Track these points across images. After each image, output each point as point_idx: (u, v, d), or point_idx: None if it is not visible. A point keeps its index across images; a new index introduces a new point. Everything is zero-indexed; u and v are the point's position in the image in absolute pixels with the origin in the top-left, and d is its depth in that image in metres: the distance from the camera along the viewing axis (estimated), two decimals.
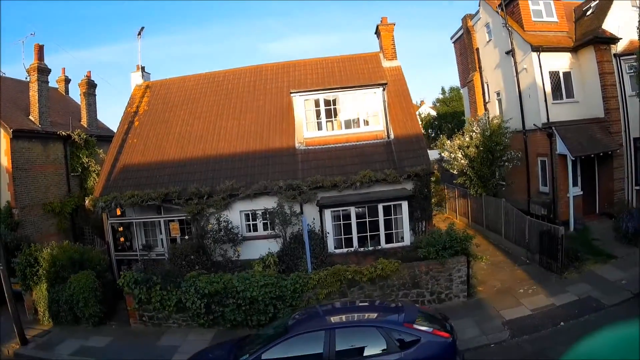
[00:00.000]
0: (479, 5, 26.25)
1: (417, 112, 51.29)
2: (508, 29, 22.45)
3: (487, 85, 26.75)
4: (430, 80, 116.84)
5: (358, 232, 16.09)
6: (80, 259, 15.42)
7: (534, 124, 21.18)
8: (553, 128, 20.02)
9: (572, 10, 24.17)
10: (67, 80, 28.43)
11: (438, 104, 54.55)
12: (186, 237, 17.37)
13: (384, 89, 17.92)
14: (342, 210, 16.16)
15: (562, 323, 12.13)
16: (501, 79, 24.67)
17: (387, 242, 16.09)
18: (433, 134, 45.45)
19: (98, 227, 20.39)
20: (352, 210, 16.01)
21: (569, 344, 8.60)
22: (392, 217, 16.18)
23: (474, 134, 21.51)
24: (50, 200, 20.72)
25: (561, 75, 21.28)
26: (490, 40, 25.41)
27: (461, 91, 36.56)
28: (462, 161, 21.71)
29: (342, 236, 16.26)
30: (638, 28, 16.80)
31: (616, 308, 12.50)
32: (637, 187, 20.15)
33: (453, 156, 22.23)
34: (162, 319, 14.27)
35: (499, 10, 23.20)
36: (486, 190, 21.14)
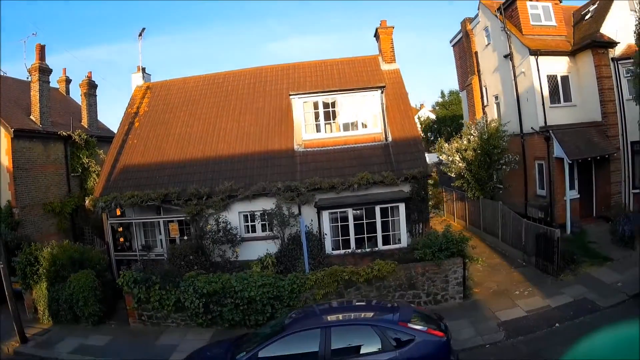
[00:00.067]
0: (478, 9, 26.40)
1: (416, 116, 51.53)
2: (507, 33, 22.61)
3: (486, 88, 26.89)
4: (430, 83, 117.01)
5: (355, 234, 16.20)
6: (80, 258, 15.54)
7: (531, 128, 21.32)
8: (550, 132, 20.16)
9: (571, 14, 24.33)
10: (68, 81, 28.58)
11: (437, 108, 54.65)
12: (185, 237, 17.46)
13: (382, 92, 18.06)
14: (340, 211, 16.27)
15: (557, 324, 12.24)
16: (499, 82, 24.81)
17: (384, 243, 16.19)
18: (432, 138, 45.55)
19: (98, 228, 20.52)
20: (350, 212, 16.13)
21: (563, 345, 8.77)
22: (390, 219, 16.29)
23: (471, 137, 21.67)
24: (50, 200, 20.85)
25: (559, 79, 21.45)
26: (489, 43, 25.57)
27: (460, 95, 36.67)
28: (460, 164, 21.85)
29: (340, 238, 16.37)
30: (635, 32, 16.94)
31: (612, 310, 12.63)
32: (635, 191, 20.28)
33: (451, 159, 22.38)
34: (161, 318, 14.39)
35: (498, 14, 23.38)
36: (483, 193, 21.27)
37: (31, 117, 21.08)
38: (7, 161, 19.04)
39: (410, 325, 9.01)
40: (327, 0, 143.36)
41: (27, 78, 22.69)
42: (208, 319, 13.91)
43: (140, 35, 23.02)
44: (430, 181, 22.56)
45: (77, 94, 27.19)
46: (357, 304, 11.73)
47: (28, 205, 19.75)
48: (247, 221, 17.33)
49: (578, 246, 17.43)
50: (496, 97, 25.63)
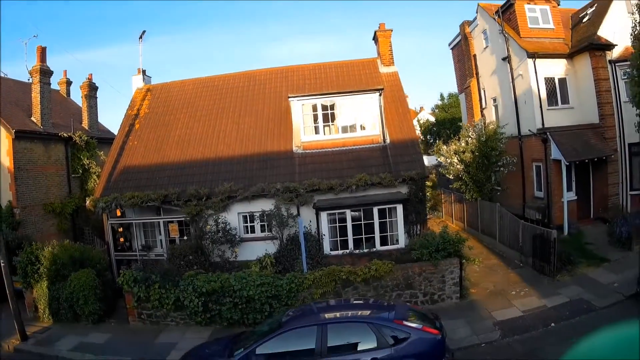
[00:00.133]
0: (477, 12, 26.56)
1: (416, 118, 51.69)
2: (504, 36, 22.76)
3: (484, 91, 27.03)
4: (430, 86, 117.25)
5: (353, 235, 16.33)
6: (81, 257, 15.68)
7: (529, 130, 21.45)
8: (548, 133, 20.29)
9: (569, 17, 24.51)
10: (69, 83, 28.76)
11: (437, 110, 54.78)
12: (185, 238, 17.59)
13: (380, 94, 18.20)
14: (338, 212, 16.40)
15: (553, 324, 12.34)
16: (497, 85, 24.96)
17: (382, 244, 16.31)
18: (432, 140, 45.66)
19: (98, 228, 20.68)
20: (348, 213, 16.25)
21: (559, 344, 8.92)
22: (387, 220, 16.42)
23: (469, 139, 21.80)
24: (51, 201, 21.01)
25: (557, 81, 21.59)
26: (487, 46, 25.72)
27: (459, 97, 36.81)
28: (458, 166, 21.97)
29: (338, 238, 16.49)
30: (631, 35, 17.07)
31: (607, 310, 12.71)
32: (632, 192, 20.41)
33: (449, 161, 22.49)
34: (160, 317, 14.52)
35: (496, 17, 23.55)
36: (481, 195, 21.39)
37: (32, 118, 21.25)
38: (8, 162, 19.22)
39: (405, 323, 9.15)
40: (328, 1, 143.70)
41: (28, 80, 22.91)
42: (207, 317, 14.02)
43: (140, 37, 23.22)
44: (428, 183, 22.72)
45: (77, 96, 27.42)
46: (353, 302, 11.91)
47: (29, 205, 19.91)
48: (246, 222, 17.47)
49: (575, 247, 17.50)
50: (494, 100, 25.77)
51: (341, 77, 21.49)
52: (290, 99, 18.46)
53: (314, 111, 18.33)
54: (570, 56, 21.71)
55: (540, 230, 16.21)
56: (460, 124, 26.59)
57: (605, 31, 20.54)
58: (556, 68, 21.59)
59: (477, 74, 27.50)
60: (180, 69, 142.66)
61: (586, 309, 12.91)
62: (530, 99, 21.36)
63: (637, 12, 16.80)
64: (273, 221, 16.68)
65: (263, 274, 14.17)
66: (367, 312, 9.99)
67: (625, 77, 19.37)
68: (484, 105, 27.19)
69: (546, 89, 21.34)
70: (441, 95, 55.20)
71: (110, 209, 17.53)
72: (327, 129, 18.42)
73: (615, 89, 20.31)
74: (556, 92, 21.57)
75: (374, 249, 16.08)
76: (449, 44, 32.54)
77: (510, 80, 22.82)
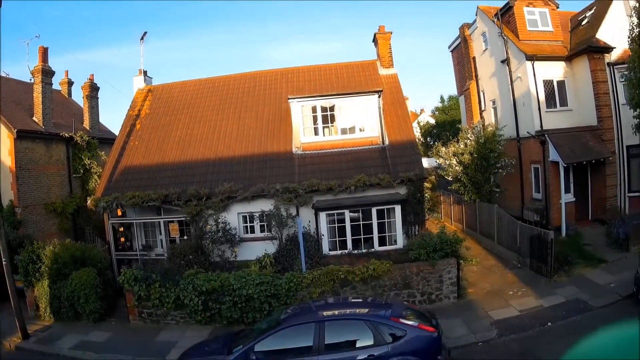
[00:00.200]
0: (476, 15, 26.71)
1: (416, 120, 51.83)
2: (503, 38, 22.90)
3: (483, 93, 27.17)
4: (431, 88, 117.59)
5: (352, 235, 16.47)
6: (82, 256, 15.77)
7: (527, 132, 21.58)
8: (546, 136, 20.41)
9: (568, 19, 24.62)
10: (70, 83, 28.93)
11: (437, 113, 54.92)
12: (185, 237, 17.73)
13: (379, 96, 18.34)
14: (337, 213, 16.53)
15: (549, 323, 12.44)
16: (496, 87, 25.10)
17: (380, 244, 16.46)
18: (432, 142, 45.75)
19: (99, 228, 20.83)
20: (347, 214, 16.39)
21: (555, 343, 9.06)
22: (386, 220, 16.56)
23: (468, 141, 21.91)
24: (52, 200, 21.16)
25: (555, 83, 21.71)
26: (486, 49, 25.86)
27: (459, 99, 36.93)
28: (457, 168, 22.08)
29: (337, 238, 16.62)
30: (629, 37, 17.20)
31: (604, 310, 12.83)
32: (630, 194, 20.52)
33: (448, 163, 22.60)
34: (160, 315, 14.62)
35: (495, 20, 23.67)
36: (480, 197, 21.50)
37: (34, 118, 21.40)
38: (9, 161, 19.37)
39: (402, 320, 9.28)
40: (328, 1, 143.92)
41: (30, 80, 23.09)
42: (207, 316, 14.13)
43: (142, 38, 23.35)
44: (428, 185, 22.84)
45: (79, 96, 27.61)
46: (351, 300, 12.06)
47: (30, 205, 20.06)
48: (245, 222, 17.60)
49: (573, 248, 17.59)
50: (493, 102, 25.90)
51: (341, 79, 21.64)
52: (290, 101, 18.58)
53: (313, 112, 18.46)
54: (568, 59, 21.83)
55: (538, 231, 16.31)
56: (459, 126, 26.69)
57: (603, 34, 20.65)
58: (555, 71, 21.71)
59: (476, 76, 27.63)
60: (180, 70, 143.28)
61: (583, 308, 13.02)
62: (529, 101, 21.48)
63: (635, 14, 16.94)
64: (272, 221, 16.80)
65: (262, 274, 14.29)
66: (365, 310, 10.12)
67: (624, 80, 19.46)
68: (483, 108, 27.32)
69: (545, 91, 21.46)
70: (441, 98, 55.45)
71: (111, 208, 17.66)
72: (326, 130, 18.56)
73: (613, 91, 20.44)
74: (555, 94, 21.69)
75: (373, 250, 16.20)
76: (449, 47, 32.67)
77: (509, 82, 22.94)
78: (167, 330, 14.29)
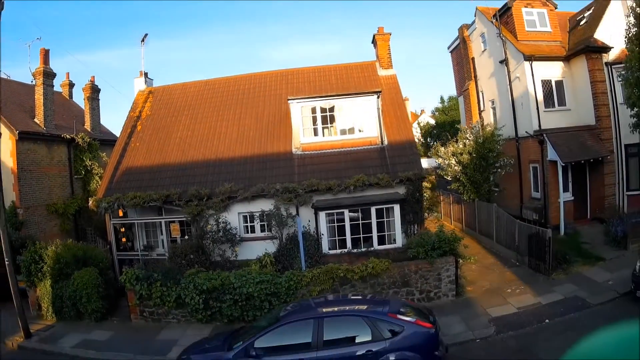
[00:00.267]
0: (475, 16, 26.84)
1: (416, 121, 51.90)
2: (502, 39, 23.02)
3: (482, 93, 27.30)
4: (431, 89, 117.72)
5: (351, 234, 16.59)
6: (84, 256, 15.90)
7: (526, 131, 21.70)
8: (544, 135, 20.53)
9: (567, 20, 24.74)
10: (71, 85, 29.08)
11: (437, 113, 55.05)
12: (186, 237, 17.87)
13: (378, 97, 18.46)
14: (337, 212, 16.66)
15: (547, 320, 12.55)
16: (495, 87, 25.22)
17: (379, 243, 16.58)
18: (432, 143, 45.85)
19: (100, 228, 20.98)
20: (346, 213, 16.51)
21: (552, 340, 9.21)
22: (385, 219, 16.68)
23: (467, 141, 22.01)
24: (54, 201, 21.32)
25: (553, 83, 21.83)
26: (485, 49, 25.99)
27: (458, 100, 37.04)
28: (456, 167, 22.18)
29: (336, 238, 16.74)
30: (625, 37, 17.30)
31: (601, 307, 12.94)
32: (629, 193, 20.64)
33: (447, 163, 22.69)
34: (162, 314, 14.76)
35: (494, 20, 23.77)
36: (479, 196, 21.60)
37: (35, 120, 21.56)
38: (11, 162, 19.50)
39: (399, 316, 9.40)
40: (328, 1, 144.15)
41: (32, 82, 23.23)
42: (208, 314, 14.26)
43: (142, 40, 23.53)
44: (427, 185, 22.93)
45: (80, 98, 27.74)
46: (350, 297, 12.17)
47: (32, 206, 20.20)
48: (246, 222, 17.72)
49: (571, 247, 17.71)
50: (492, 102, 26.03)
51: (340, 80, 21.78)
52: (289, 101, 18.70)
53: (313, 113, 18.58)
54: (567, 59, 21.94)
55: (536, 229, 16.42)
56: (458, 126, 26.80)
57: (601, 34, 20.77)
58: (553, 70, 21.83)
59: (475, 76, 27.76)
60: (180, 70, 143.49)
61: (580, 306, 13.12)
62: (527, 101, 21.61)
63: (631, 14, 17.05)
64: (272, 221, 16.93)
65: (262, 272, 14.43)
66: (363, 307, 10.25)
67: (621, 79, 19.56)
68: (482, 108, 27.44)
69: (543, 91, 21.59)
70: (441, 98, 55.52)
71: (112, 209, 17.79)
72: (326, 130, 18.69)
73: (611, 91, 20.54)
74: (553, 94, 21.80)
75: (372, 248, 16.32)
76: (448, 47, 32.80)
77: (508, 82, 23.07)
78: (168, 328, 14.41)
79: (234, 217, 17.41)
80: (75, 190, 22.94)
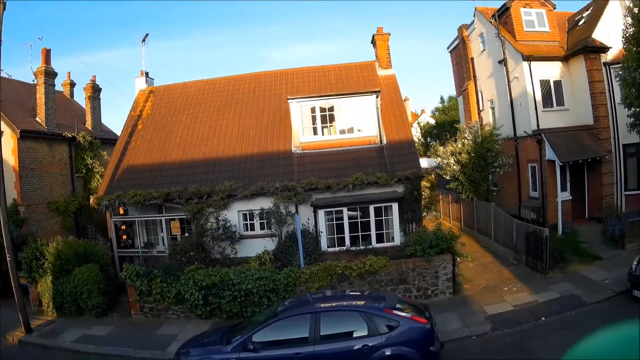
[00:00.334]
0: (474, 16, 26.95)
1: (417, 121, 51.96)
2: (501, 39, 23.12)
3: (481, 93, 27.41)
4: (432, 89, 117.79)
5: (350, 232, 16.72)
6: (85, 253, 16.03)
7: (524, 131, 21.81)
8: (542, 135, 20.63)
9: (565, 20, 24.82)
10: (72, 84, 29.20)
11: (437, 113, 55.13)
12: (186, 235, 17.99)
13: (377, 96, 18.58)
14: (335, 210, 16.80)
15: (543, 318, 12.66)
16: (494, 87, 25.33)
17: (378, 241, 16.71)
18: (432, 142, 45.94)
19: (101, 226, 21.14)
20: (345, 211, 16.66)
21: (548, 338, 9.35)
22: (383, 218, 16.80)
23: (465, 140, 22.12)
24: (55, 199, 21.44)
25: (552, 83, 21.92)
26: (484, 49, 26.10)
27: (458, 100, 37.15)
28: (454, 167, 22.29)
29: (335, 235, 16.88)
30: (622, 37, 17.39)
31: (598, 305, 13.05)
32: (627, 192, 20.72)
33: (445, 162, 22.80)
34: (161, 310, 14.89)
35: (492, 21, 23.88)
36: (477, 195, 21.71)
37: (37, 118, 21.69)
38: (13, 161, 19.61)
39: (395, 312, 9.53)
40: (328, 1, 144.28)
41: (33, 81, 23.36)
42: (207, 310, 14.40)
43: (143, 40, 23.66)
44: (427, 184, 23.08)
45: (81, 97, 27.86)
46: (347, 293, 12.34)
47: (33, 203, 20.33)
48: (246, 219, 17.85)
49: (568, 246, 17.82)
50: (491, 102, 26.14)
51: (340, 79, 21.91)
52: (289, 101, 18.83)
53: (312, 113, 18.70)
54: (565, 59, 22.04)
55: (533, 228, 16.54)
56: (456, 125, 26.92)
57: (600, 34, 20.87)
58: (551, 70, 21.93)
59: (474, 76, 27.87)
60: (181, 70, 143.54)
61: (577, 304, 13.22)
62: (526, 101, 21.71)
63: (629, 15, 17.15)
64: (272, 219, 17.08)
65: (261, 269, 14.58)
66: (359, 302, 10.37)
67: (619, 80, 19.65)
68: (481, 108, 27.55)
69: (541, 91, 21.69)
70: (441, 98, 55.63)
71: (113, 206, 17.93)
72: (325, 130, 18.81)
73: (609, 90, 20.63)
74: (551, 94, 21.90)
75: (370, 246, 16.46)
76: (448, 47, 32.91)
77: (507, 82, 23.17)
78: (168, 324, 14.55)
79: (233, 215, 17.55)
80: (76, 188, 23.07)
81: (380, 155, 18.01)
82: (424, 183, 20.46)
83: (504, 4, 23.74)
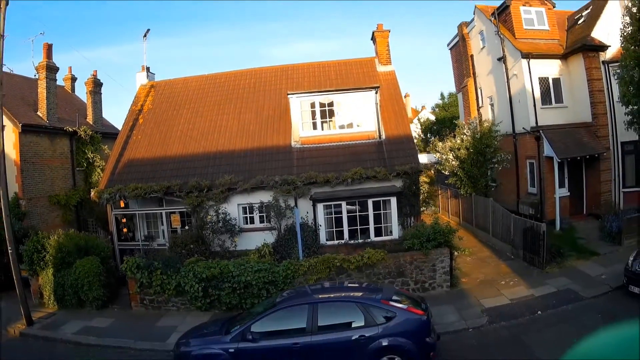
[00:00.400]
0: (474, 14, 27.04)
1: (417, 117, 52.05)
2: (500, 37, 23.21)
3: (481, 90, 27.53)
4: (432, 85, 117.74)
5: (349, 226, 16.86)
6: (86, 246, 16.16)
7: (523, 128, 21.91)
8: (541, 131, 20.74)
9: (565, 18, 24.90)
10: (74, 79, 29.24)
11: (437, 110, 55.24)
12: (186, 228, 18.11)
13: (376, 92, 18.69)
14: (334, 204, 16.92)
15: (539, 312, 12.79)
16: (493, 84, 25.44)
17: (376, 235, 16.84)
18: (432, 138, 46.04)
19: (102, 219, 21.25)
20: (344, 205, 16.78)
21: (544, 331, 9.50)
22: (382, 212, 16.94)
23: (464, 136, 22.23)
24: (56, 193, 21.54)
25: (550, 81, 22.03)
26: (483, 47, 26.20)
27: (458, 96, 37.25)
28: (453, 162, 22.40)
29: (334, 229, 17.02)
30: (621, 36, 17.50)
31: (594, 300, 13.19)
32: (625, 189, 20.85)
33: (444, 157, 22.91)
34: (162, 302, 15.04)
35: (492, 18, 23.97)
36: (476, 191, 21.83)
37: (38, 113, 21.78)
38: (14, 154, 19.68)
39: (392, 303, 9.68)
40: (328, 1, 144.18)
41: (35, 76, 23.46)
42: (207, 302, 14.55)
43: (144, 36, 23.72)
44: (426, 179, 23.18)
45: (82, 92, 27.95)
46: (345, 285, 12.50)
47: (34, 197, 20.43)
48: (245, 213, 17.97)
49: (566, 241, 17.96)
50: (490, 99, 26.25)
51: (339, 75, 22.01)
52: (289, 96, 18.94)
53: (312, 108, 18.81)
54: (564, 57, 22.15)
55: (531, 224, 16.66)
56: (455, 121, 27.03)
57: (599, 32, 20.96)
58: (550, 68, 22.03)
59: (474, 73, 27.99)
60: (181, 67, 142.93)
61: (573, 298, 13.36)
62: (525, 98, 21.82)
63: (627, 14, 17.25)
64: (271, 212, 17.22)
65: (260, 261, 14.72)
66: (357, 294, 10.52)
67: (617, 78, 19.73)
68: (480, 104, 27.67)
69: (540, 88, 21.80)
70: (441, 95, 55.76)
71: (114, 200, 18.04)
72: (324, 125, 18.94)
73: (608, 89, 20.75)
74: (550, 91, 22.00)
75: (369, 240, 16.59)
76: (448, 45, 33.02)
77: (506, 80, 23.25)
78: (168, 316, 14.71)
79: (233, 208, 17.66)
80: (77, 182, 23.17)
81: (379, 150, 18.12)
82: (423, 178, 20.55)
83: (504, 2, 23.82)
